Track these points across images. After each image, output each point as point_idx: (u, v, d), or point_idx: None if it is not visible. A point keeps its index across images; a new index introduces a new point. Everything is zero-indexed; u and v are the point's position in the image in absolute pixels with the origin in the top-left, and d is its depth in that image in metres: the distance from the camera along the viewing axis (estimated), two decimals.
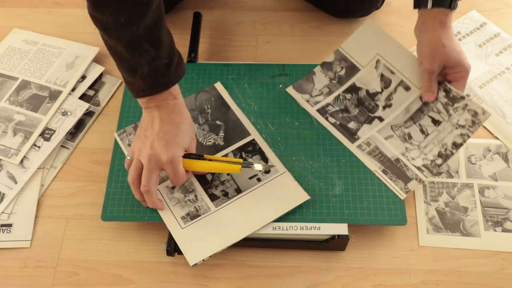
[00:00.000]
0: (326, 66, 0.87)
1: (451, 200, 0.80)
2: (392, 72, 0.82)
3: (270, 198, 0.75)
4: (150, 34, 0.67)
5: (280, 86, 0.87)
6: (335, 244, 0.74)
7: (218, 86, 0.87)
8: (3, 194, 0.81)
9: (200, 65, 0.91)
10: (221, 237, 0.72)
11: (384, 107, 0.82)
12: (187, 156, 0.74)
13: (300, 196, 0.76)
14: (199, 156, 0.75)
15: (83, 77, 0.94)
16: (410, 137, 0.79)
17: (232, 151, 0.80)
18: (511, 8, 1.03)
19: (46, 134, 0.87)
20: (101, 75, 0.95)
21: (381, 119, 0.82)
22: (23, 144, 0.85)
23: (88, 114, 0.91)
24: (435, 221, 0.78)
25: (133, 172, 0.72)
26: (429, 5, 0.75)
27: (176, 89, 0.73)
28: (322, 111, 0.83)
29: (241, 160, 0.76)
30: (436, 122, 0.79)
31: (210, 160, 0.75)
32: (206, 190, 0.77)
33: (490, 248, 0.76)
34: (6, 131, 0.87)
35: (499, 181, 0.82)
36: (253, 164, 0.75)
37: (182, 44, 0.99)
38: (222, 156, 0.80)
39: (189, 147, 0.75)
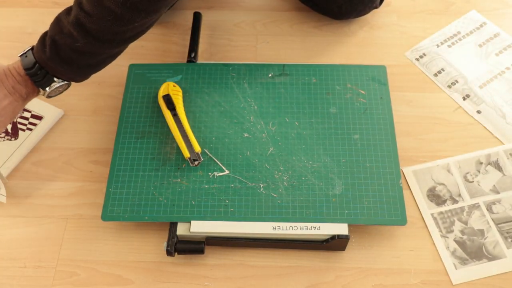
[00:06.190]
0: None
1: (465, 226, 0.78)
2: None
3: None
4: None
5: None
6: (335, 244, 0.74)
7: None
8: None
9: (200, 65, 0.91)
10: None
11: None
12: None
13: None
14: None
15: None
16: None
17: None
18: (511, 8, 1.03)
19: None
20: None
21: None
22: None
23: None
24: (458, 253, 0.76)
25: None
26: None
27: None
28: None
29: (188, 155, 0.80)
30: None
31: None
32: None
33: None
34: None
35: (501, 192, 0.81)
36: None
37: (182, 44, 0.99)
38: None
39: None
